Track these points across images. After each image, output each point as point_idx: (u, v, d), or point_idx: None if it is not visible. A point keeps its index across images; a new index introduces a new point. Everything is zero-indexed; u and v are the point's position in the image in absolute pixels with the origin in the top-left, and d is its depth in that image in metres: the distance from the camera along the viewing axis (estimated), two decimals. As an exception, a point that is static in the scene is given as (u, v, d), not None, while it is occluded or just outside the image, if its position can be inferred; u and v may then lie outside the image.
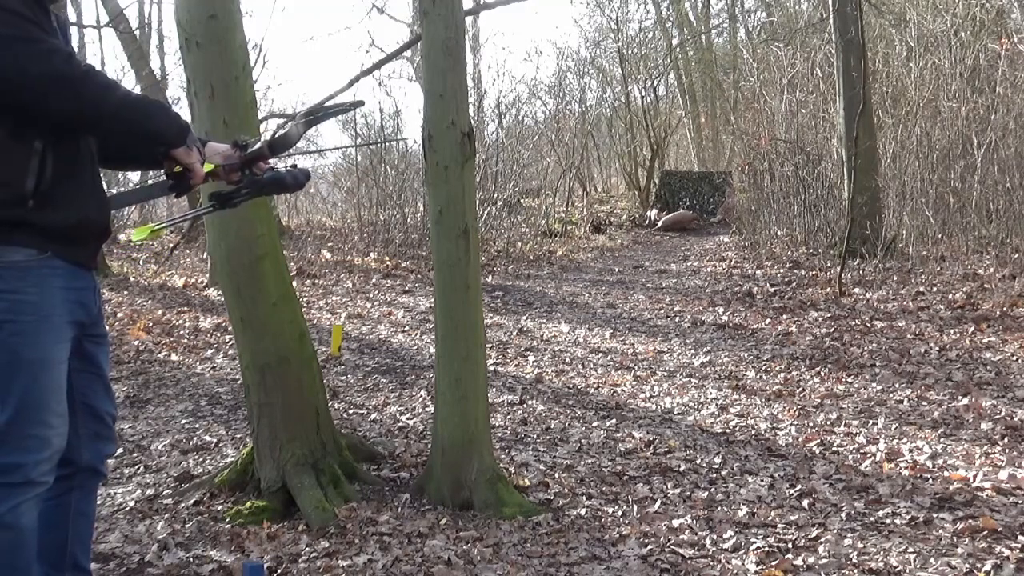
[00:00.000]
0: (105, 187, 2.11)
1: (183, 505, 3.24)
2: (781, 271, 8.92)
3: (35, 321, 1.84)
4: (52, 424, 1.87)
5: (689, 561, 2.67)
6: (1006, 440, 3.67)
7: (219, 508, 3.18)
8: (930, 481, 3.26)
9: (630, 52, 19.46)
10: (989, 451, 3.56)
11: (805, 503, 3.11)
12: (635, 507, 3.15)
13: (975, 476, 3.25)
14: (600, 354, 5.93)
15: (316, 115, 2.35)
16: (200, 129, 3.18)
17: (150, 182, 2.41)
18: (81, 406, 2.03)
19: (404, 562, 2.69)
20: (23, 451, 1.83)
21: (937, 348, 5.35)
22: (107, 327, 2.19)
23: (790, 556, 2.66)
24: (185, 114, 3.50)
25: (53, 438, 1.88)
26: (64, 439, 1.92)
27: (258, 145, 2.18)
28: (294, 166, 2.25)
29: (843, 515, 2.96)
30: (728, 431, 4.09)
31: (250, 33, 4.42)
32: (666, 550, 2.75)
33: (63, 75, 1.77)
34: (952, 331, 5.71)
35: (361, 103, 2.64)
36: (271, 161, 2.24)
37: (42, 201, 1.83)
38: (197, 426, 4.37)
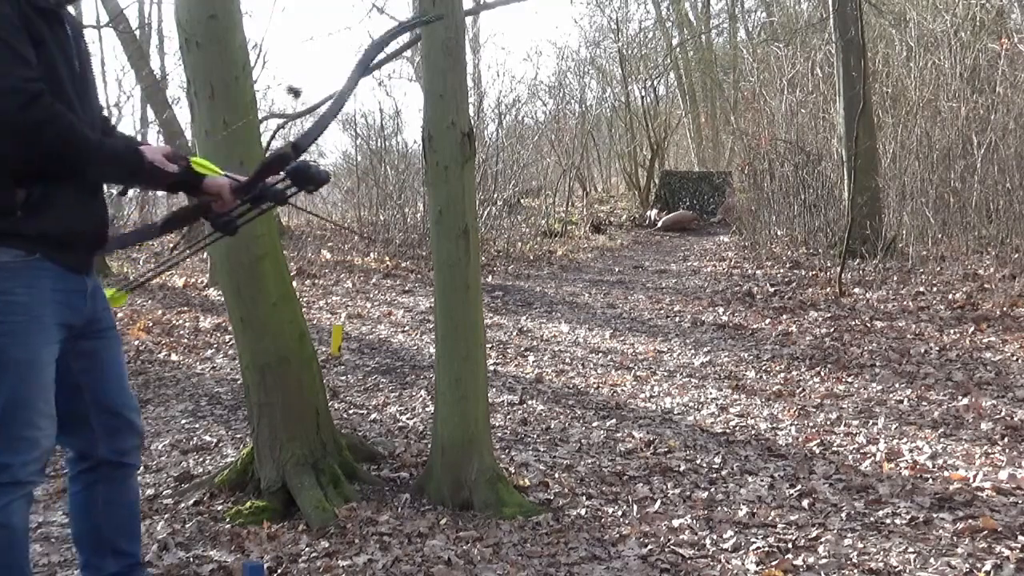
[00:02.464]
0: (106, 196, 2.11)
1: (183, 505, 3.24)
2: (781, 271, 8.92)
3: (25, 321, 1.85)
4: (40, 425, 1.88)
5: (689, 561, 2.67)
6: (1006, 440, 3.67)
7: (219, 508, 3.18)
8: (930, 481, 3.25)
9: (630, 52, 19.46)
10: (989, 451, 3.56)
11: (805, 503, 3.11)
12: (635, 507, 3.15)
13: (975, 476, 3.25)
14: (600, 354, 5.93)
15: (383, 40, 2.18)
16: (200, 129, 3.19)
17: (149, 222, 2.36)
18: (92, 403, 2.05)
19: (404, 562, 2.69)
20: (11, 452, 1.85)
21: (937, 348, 5.35)
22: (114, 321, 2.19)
23: (790, 556, 2.66)
24: (185, 114, 3.51)
25: (41, 439, 1.89)
26: (52, 440, 1.93)
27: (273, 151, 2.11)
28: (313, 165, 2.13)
29: (843, 515, 2.96)
30: (728, 431, 4.09)
31: (250, 33, 4.41)
32: (666, 550, 2.74)
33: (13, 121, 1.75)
34: (952, 331, 5.71)
35: (439, 16, 2.45)
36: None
37: (30, 212, 1.85)
38: (197, 426, 4.37)
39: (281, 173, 2.09)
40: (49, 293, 1.89)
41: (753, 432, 4.06)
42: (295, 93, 2.17)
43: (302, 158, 2.09)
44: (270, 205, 2.17)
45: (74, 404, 2.02)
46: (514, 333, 6.70)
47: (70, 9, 2.04)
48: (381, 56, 3.42)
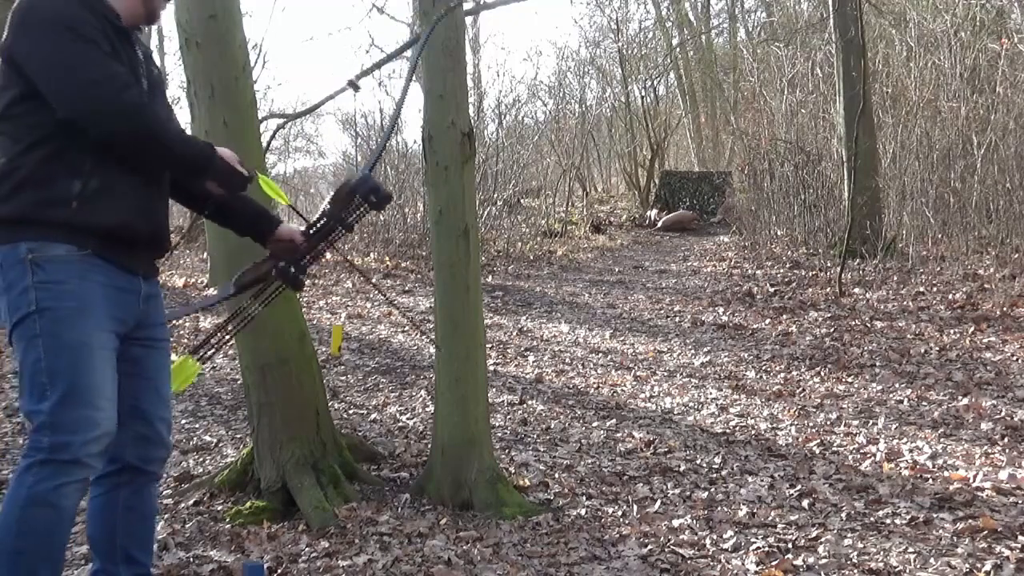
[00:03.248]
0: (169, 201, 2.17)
1: (183, 505, 3.24)
2: (781, 271, 8.92)
3: (76, 308, 1.90)
4: (100, 406, 1.91)
5: (689, 561, 2.67)
6: (1006, 440, 3.67)
7: (219, 508, 3.18)
8: (930, 481, 3.26)
9: (630, 52, 19.44)
10: (989, 451, 3.56)
11: (805, 503, 3.11)
12: (635, 507, 3.15)
13: (975, 476, 3.25)
14: (600, 354, 5.93)
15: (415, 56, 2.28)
16: (200, 129, 3.18)
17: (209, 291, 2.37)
18: (128, 408, 2.06)
19: (404, 562, 2.69)
20: (72, 431, 1.87)
21: (937, 348, 5.35)
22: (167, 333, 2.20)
23: (790, 556, 2.66)
24: (185, 114, 3.51)
25: (102, 420, 1.91)
26: (113, 423, 1.94)
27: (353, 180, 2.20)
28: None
29: (843, 515, 2.96)
30: (728, 431, 4.09)
31: (250, 33, 4.41)
32: (666, 550, 2.74)
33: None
34: (952, 331, 5.71)
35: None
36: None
37: (85, 203, 1.90)
38: (197, 426, 4.37)
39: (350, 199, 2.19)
40: (99, 287, 1.94)
41: (753, 432, 4.06)
42: (355, 87, 2.28)
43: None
44: (339, 234, 2.26)
45: None
46: (514, 333, 6.70)
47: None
48: (382, 56, 3.45)
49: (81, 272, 1.91)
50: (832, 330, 6.05)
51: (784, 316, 6.68)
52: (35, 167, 1.89)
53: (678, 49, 21.05)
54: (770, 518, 2.98)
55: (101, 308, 1.94)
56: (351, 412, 4.56)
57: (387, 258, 10.46)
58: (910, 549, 2.66)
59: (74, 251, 1.90)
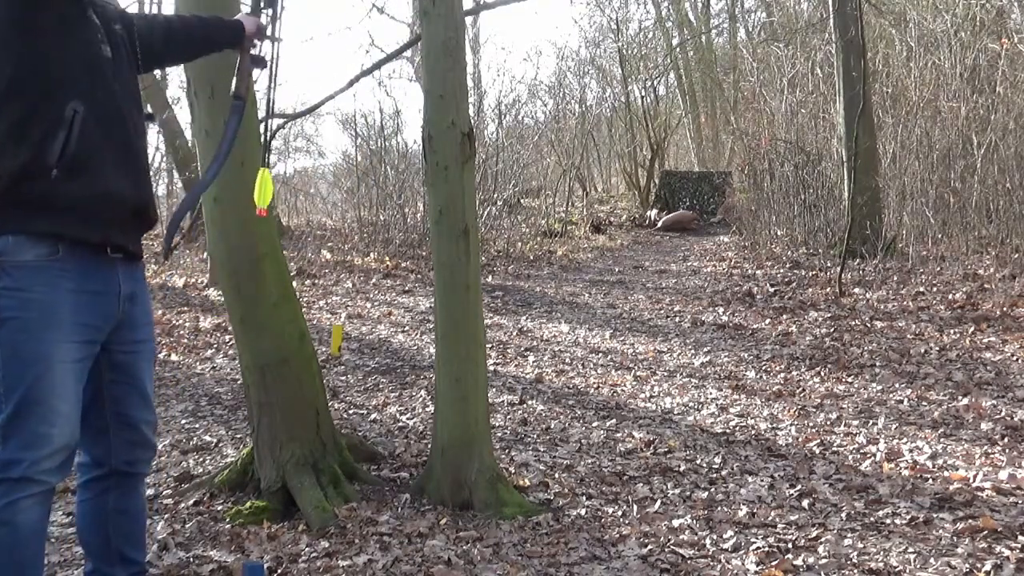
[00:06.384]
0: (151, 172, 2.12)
1: (183, 505, 3.24)
2: (781, 271, 8.92)
3: (41, 318, 1.84)
4: (54, 422, 1.87)
5: (689, 561, 2.67)
6: (1006, 440, 3.67)
7: (219, 508, 3.18)
8: (930, 481, 3.25)
9: (630, 52, 19.44)
10: (989, 451, 3.56)
11: (805, 503, 3.11)
12: (635, 507, 3.15)
13: (975, 476, 3.25)
14: (600, 354, 5.93)
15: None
16: (200, 129, 3.19)
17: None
18: (114, 415, 2.05)
19: (404, 562, 2.69)
20: (23, 447, 1.84)
21: (937, 348, 5.35)
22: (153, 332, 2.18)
23: (790, 556, 2.66)
24: (185, 114, 3.51)
25: (55, 436, 1.87)
26: (67, 438, 1.91)
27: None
28: None
29: (843, 515, 2.96)
30: (728, 431, 4.09)
31: (250, 33, 4.39)
32: (666, 550, 2.74)
33: None
34: (952, 331, 5.71)
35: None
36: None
37: (67, 171, 1.83)
38: (197, 426, 4.37)
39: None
40: (69, 294, 1.88)
41: (753, 432, 4.06)
42: (262, 64, 2.49)
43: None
44: None
45: (97, 413, 2.01)
46: (514, 333, 6.70)
47: None
48: (382, 56, 3.46)
49: (50, 280, 1.85)
50: (832, 330, 6.05)
51: (784, 316, 6.68)
52: (7, 130, 1.79)
53: (678, 49, 21.06)
54: (770, 518, 2.98)
55: (68, 318, 1.87)
56: (351, 412, 4.56)
57: (387, 258, 10.47)
58: (910, 549, 2.66)
59: (44, 256, 1.84)
